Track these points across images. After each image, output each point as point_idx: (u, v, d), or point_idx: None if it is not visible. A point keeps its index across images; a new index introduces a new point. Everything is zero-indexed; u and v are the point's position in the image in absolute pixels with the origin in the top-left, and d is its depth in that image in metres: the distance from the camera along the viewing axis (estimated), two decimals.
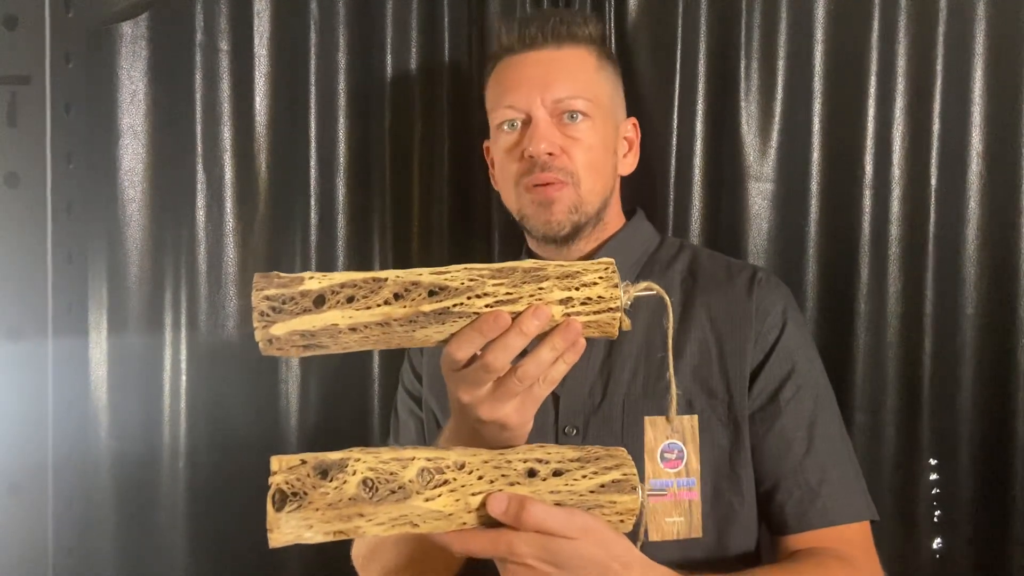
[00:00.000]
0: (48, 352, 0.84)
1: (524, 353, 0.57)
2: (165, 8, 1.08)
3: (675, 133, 1.05)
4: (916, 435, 1.03)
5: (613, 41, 1.06)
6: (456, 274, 0.56)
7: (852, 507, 0.78)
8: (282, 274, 0.55)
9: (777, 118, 1.05)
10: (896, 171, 1.03)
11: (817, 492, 0.78)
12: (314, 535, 0.53)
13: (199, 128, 1.09)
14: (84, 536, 1.06)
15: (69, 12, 0.89)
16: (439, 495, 0.55)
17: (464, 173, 1.11)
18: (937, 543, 1.03)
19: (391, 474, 0.54)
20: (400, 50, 1.10)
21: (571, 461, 0.58)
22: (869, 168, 1.03)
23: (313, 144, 1.10)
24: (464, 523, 0.56)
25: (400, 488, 0.54)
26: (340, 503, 0.53)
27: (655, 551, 0.63)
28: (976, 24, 1.01)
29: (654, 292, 0.59)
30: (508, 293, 0.56)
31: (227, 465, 1.09)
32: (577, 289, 0.56)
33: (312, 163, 1.10)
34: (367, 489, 0.53)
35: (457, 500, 0.55)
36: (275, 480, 0.53)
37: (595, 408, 0.82)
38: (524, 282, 0.56)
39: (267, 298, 0.54)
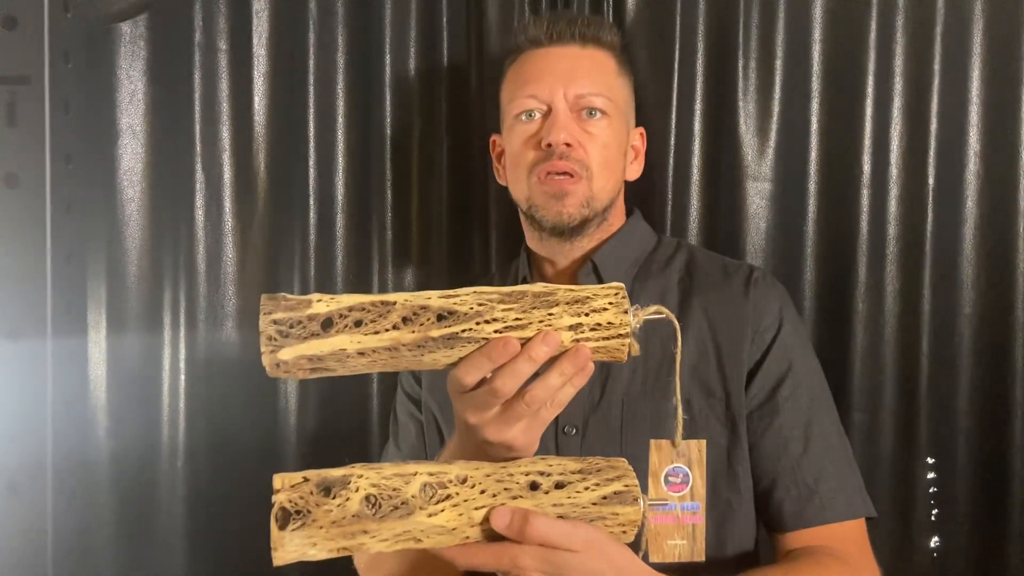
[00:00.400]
0: (47, 352, 0.84)
1: (532, 376, 0.57)
2: (164, 8, 1.08)
3: (673, 132, 1.05)
4: (914, 434, 1.03)
5: None
6: (465, 298, 0.55)
7: (849, 505, 0.79)
8: (289, 296, 0.54)
9: (775, 118, 1.05)
10: (894, 171, 1.03)
11: (814, 490, 0.78)
12: (318, 552, 0.53)
13: (198, 128, 1.09)
14: (83, 536, 1.06)
15: (68, 12, 0.89)
16: (442, 510, 0.55)
17: (463, 173, 1.11)
18: (935, 542, 1.03)
19: (394, 490, 0.54)
20: (399, 50, 1.10)
21: (573, 473, 0.58)
22: (867, 168, 1.03)
23: (312, 144, 1.10)
24: (467, 537, 0.56)
25: (403, 504, 0.54)
26: (344, 520, 0.53)
27: None
28: (974, 24, 1.01)
29: (663, 316, 0.59)
30: (517, 319, 0.55)
31: (226, 465, 1.09)
32: (587, 315, 0.56)
33: (311, 163, 1.10)
34: (370, 505, 0.53)
35: (460, 515, 0.55)
36: (278, 498, 0.53)
37: (594, 407, 0.82)
38: (534, 307, 0.56)
39: (274, 322, 0.53)
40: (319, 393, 1.12)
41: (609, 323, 0.57)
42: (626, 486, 0.58)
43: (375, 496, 0.54)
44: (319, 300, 0.54)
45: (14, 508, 0.86)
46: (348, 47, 1.10)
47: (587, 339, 0.56)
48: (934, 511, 1.03)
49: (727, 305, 0.84)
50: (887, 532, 1.02)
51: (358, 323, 0.54)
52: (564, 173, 0.84)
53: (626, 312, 0.57)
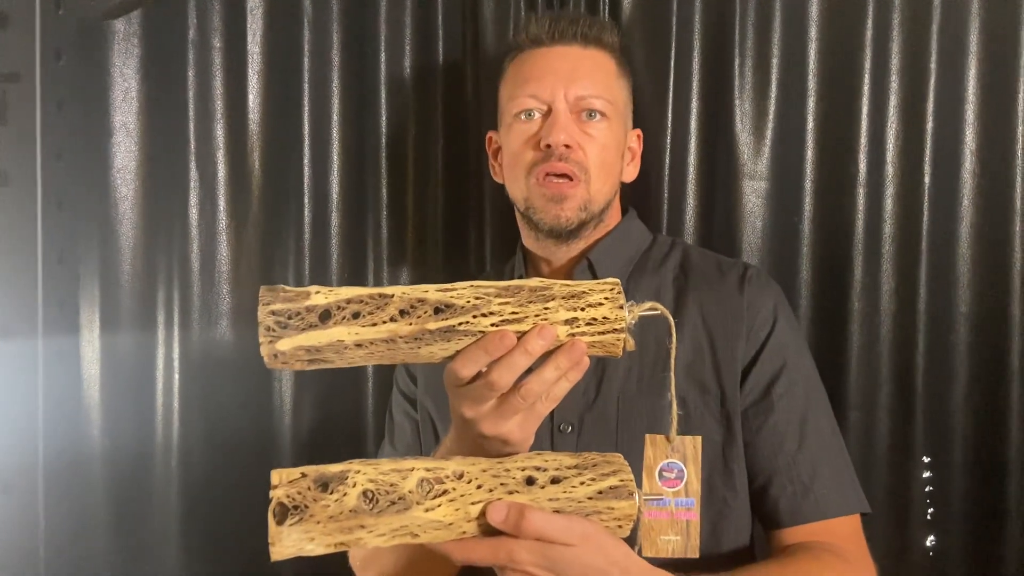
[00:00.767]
0: (39, 351, 0.84)
1: (528, 370, 0.57)
2: (158, 5, 1.08)
3: (669, 131, 1.05)
4: (910, 433, 1.03)
5: None
6: (462, 292, 0.56)
7: (844, 501, 0.79)
8: (287, 288, 0.55)
9: (771, 116, 1.05)
10: (889, 169, 1.03)
11: (809, 487, 0.78)
12: (315, 547, 0.53)
13: (192, 125, 1.09)
14: (76, 536, 1.06)
15: (60, 9, 0.88)
16: (439, 505, 0.55)
17: (458, 171, 1.11)
18: (930, 540, 1.03)
19: (391, 485, 0.54)
20: (394, 48, 1.09)
21: (568, 468, 0.58)
22: (863, 166, 1.03)
23: (307, 142, 1.10)
24: (464, 532, 0.56)
25: (400, 499, 0.54)
26: (341, 515, 0.53)
27: None
28: (970, 23, 1.01)
29: (659, 312, 0.60)
30: (514, 312, 0.56)
31: (220, 464, 1.09)
32: (583, 309, 0.57)
33: (306, 161, 1.10)
34: (367, 501, 0.54)
35: (457, 510, 0.55)
36: (276, 494, 0.53)
37: (589, 405, 0.82)
38: (530, 301, 0.56)
39: (273, 313, 0.54)
40: (314, 393, 1.12)
41: (605, 318, 0.57)
42: (622, 481, 0.59)
43: (372, 491, 0.54)
44: (317, 292, 0.55)
45: (6, 507, 0.85)
46: (343, 45, 1.10)
47: (583, 334, 0.57)
48: (930, 510, 1.03)
49: (722, 303, 0.84)
50: (883, 531, 1.02)
51: (356, 315, 0.54)
52: (563, 175, 0.84)
53: (621, 307, 0.58)
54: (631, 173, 0.94)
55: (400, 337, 0.55)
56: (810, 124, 1.04)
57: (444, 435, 0.84)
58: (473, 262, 1.12)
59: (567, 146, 0.83)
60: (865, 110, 1.02)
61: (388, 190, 1.11)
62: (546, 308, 0.56)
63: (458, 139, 1.10)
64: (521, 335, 0.56)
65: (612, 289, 0.58)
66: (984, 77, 1.01)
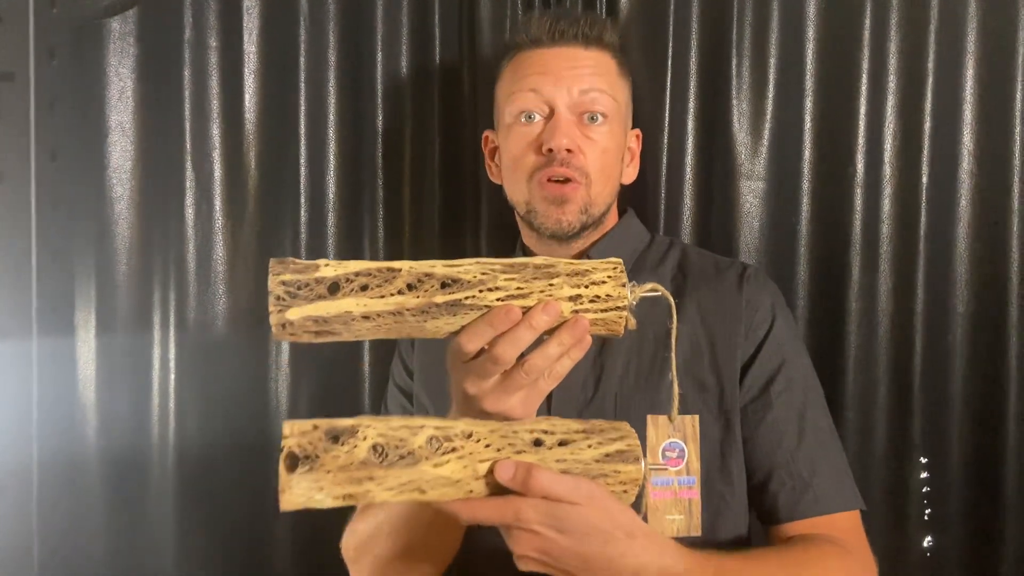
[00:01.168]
0: (33, 351, 0.84)
1: (531, 348, 0.58)
2: (153, 4, 1.08)
3: (667, 131, 1.04)
4: (907, 433, 1.03)
5: None
6: (469, 267, 0.57)
7: (842, 497, 0.79)
8: (297, 260, 0.55)
9: (769, 116, 1.05)
10: (887, 169, 1.03)
11: (808, 482, 0.78)
12: (324, 498, 0.53)
13: (188, 125, 1.08)
14: (70, 537, 1.06)
15: (54, 8, 0.88)
16: (447, 461, 0.55)
17: (454, 171, 1.10)
18: (928, 541, 1.03)
19: (401, 440, 0.55)
20: (391, 47, 1.09)
21: (576, 432, 0.59)
22: (860, 166, 1.03)
23: (303, 142, 1.10)
24: (471, 491, 0.56)
25: (409, 454, 0.55)
26: (351, 466, 0.53)
27: None
28: (967, 23, 1.01)
29: (659, 293, 0.61)
30: (519, 288, 0.57)
31: (216, 465, 1.09)
32: (586, 287, 0.58)
33: (302, 161, 1.10)
34: (377, 454, 0.54)
35: (465, 467, 0.56)
36: (287, 443, 0.53)
37: (587, 401, 0.82)
38: (535, 278, 0.58)
39: (283, 283, 0.54)
40: (310, 393, 1.11)
41: (608, 295, 0.59)
42: (628, 446, 0.59)
43: (382, 445, 0.54)
44: (326, 264, 0.55)
45: (0, 508, 0.85)
46: (340, 44, 1.09)
47: (586, 311, 0.58)
48: (927, 510, 1.03)
49: (720, 301, 0.84)
50: (880, 531, 1.02)
51: (364, 288, 0.55)
52: (564, 179, 0.83)
53: (624, 285, 0.59)
54: (630, 175, 0.94)
55: (407, 310, 0.55)
56: (808, 124, 1.04)
57: None
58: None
59: (569, 150, 0.83)
60: (863, 110, 1.02)
61: (384, 190, 1.10)
62: (551, 285, 0.57)
63: (455, 139, 1.10)
64: (526, 311, 0.57)
65: (615, 268, 0.59)
66: (982, 78, 1.01)
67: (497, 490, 0.57)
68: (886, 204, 1.03)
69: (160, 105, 1.08)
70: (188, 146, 1.08)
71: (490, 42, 1.07)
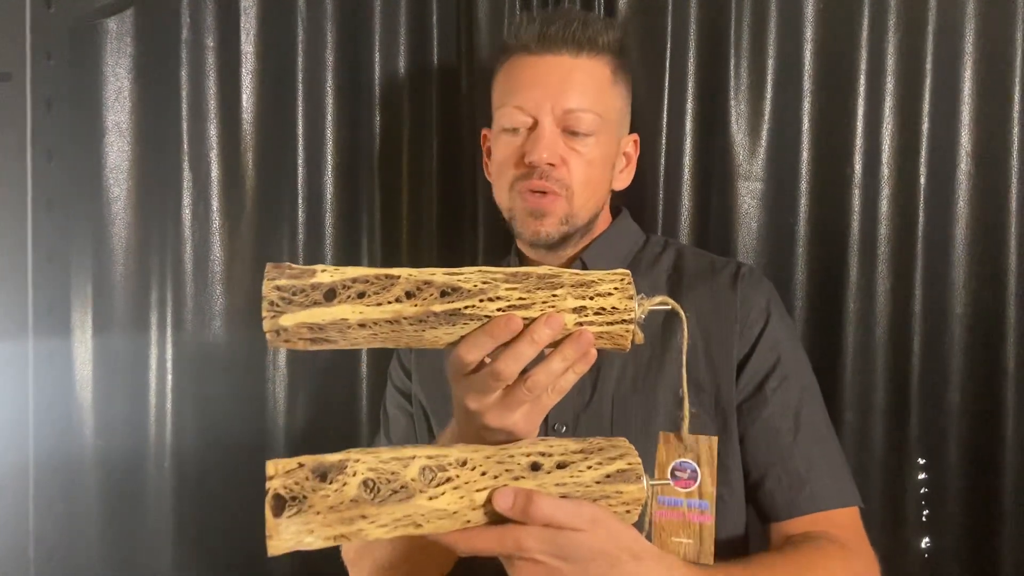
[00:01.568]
0: (29, 352, 0.83)
1: (534, 362, 0.56)
2: (150, 5, 1.07)
3: (664, 132, 1.04)
4: (905, 434, 1.03)
5: None
6: (469, 276, 0.55)
7: (840, 493, 0.79)
8: (293, 265, 0.54)
9: (767, 117, 1.05)
10: (885, 170, 1.03)
11: (806, 479, 0.78)
12: (315, 540, 0.50)
13: (185, 126, 1.08)
14: (67, 538, 1.05)
15: (51, 8, 0.88)
16: (443, 493, 0.53)
17: (452, 172, 1.10)
18: (926, 542, 1.03)
19: (392, 474, 0.52)
20: (388, 48, 1.09)
21: (574, 453, 0.57)
22: (858, 167, 1.03)
23: (300, 142, 1.09)
24: (469, 521, 0.54)
25: (402, 487, 0.52)
26: (341, 505, 0.51)
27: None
28: (966, 24, 1.01)
29: (669, 307, 0.59)
30: (521, 298, 0.55)
31: (214, 466, 1.08)
32: (591, 299, 0.56)
33: (299, 161, 1.09)
34: (368, 490, 0.51)
35: (461, 497, 0.53)
36: (272, 485, 0.51)
37: (584, 405, 0.82)
38: (538, 288, 0.55)
39: (277, 288, 0.52)
40: (308, 394, 1.11)
41: (614, 308, 0.56)
42: (629, 464, 0.57)
43: (373, 480, 0.52)
44: (323, 270, 0.54)
45: None
46: (337, 45, 1.09)
47: (591, 323, 0.56)
48: (925, 511, 1.03)
49: (715, 300, 0.84)
50: (878, 532, 1.01)
51: (361, 295, 0.53)
52: (544, 192, 0.83)
53: (631, 297, 0.56)
54: (624, 180, 0.92)
55: (405, 318, 0.53)
56: (806, 125, 1.04)
57: (439, 430, 0.84)
58: (467, 262, 1.11)
59: (550, 164, 0.82)
60: (861, 111, 1.02)
61: (382, 190, 1.10)
62: (554, 295, 0.55)
63: (452, 139, 1.10)
64: (528, 321, 0.54)
65: (622, 279, 0.57)
66: (980, 78, 1.01)
67: (496, 519, 0.54)
68: (884, 205, 1.03)
69: (157, 105, 1.08)
70: (185, 146, 1.08)
71: (488, 43, 1.07)
